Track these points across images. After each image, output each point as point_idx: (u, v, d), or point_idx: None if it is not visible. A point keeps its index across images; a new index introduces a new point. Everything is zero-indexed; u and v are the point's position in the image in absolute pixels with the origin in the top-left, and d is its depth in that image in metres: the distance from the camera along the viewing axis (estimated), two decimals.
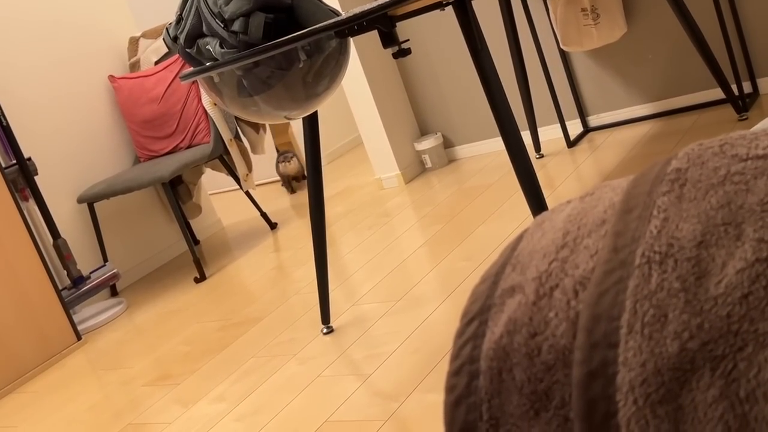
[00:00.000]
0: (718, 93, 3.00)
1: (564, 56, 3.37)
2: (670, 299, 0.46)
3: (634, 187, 0.56)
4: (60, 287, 3.12)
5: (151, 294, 3.42)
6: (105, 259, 3.51)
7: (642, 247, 0.50)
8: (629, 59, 3.25)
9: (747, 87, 3.04)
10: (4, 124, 3.17)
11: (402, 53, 1.71)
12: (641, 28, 3.16)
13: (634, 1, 3.13)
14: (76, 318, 3.14)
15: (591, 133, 3.45)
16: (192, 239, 3.73)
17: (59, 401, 2.60)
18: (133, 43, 3.76)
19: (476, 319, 0.56)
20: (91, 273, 3.37)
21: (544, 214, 0.65)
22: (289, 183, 3.24)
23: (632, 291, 0.48)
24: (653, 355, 0.44)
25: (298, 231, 3.58)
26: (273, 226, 3.77)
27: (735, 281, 0.44)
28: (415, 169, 3.78)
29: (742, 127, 2.81)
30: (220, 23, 1.57)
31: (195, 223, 3.93)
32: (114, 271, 3.42)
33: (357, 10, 1.65)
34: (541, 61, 3.37)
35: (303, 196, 4.06)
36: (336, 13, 1.75)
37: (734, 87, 2.95)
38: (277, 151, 3.81)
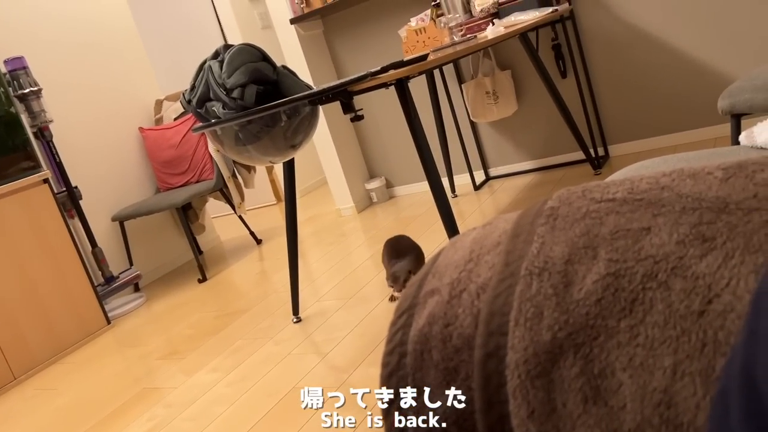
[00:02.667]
0: (580, 155, 3.06)
1: (473, 125, 3.42)
2: (545, 301, 0.46)
3: (521, 219, 0.57)
4: (96, 284, 3.01)
5: (164, 290, 3.32)
6: (131, 263, 3.41)
7: (526, 262, 0.50)
8: (519, 128, 3.30)
9: (601, 151, 3.11)
10: (58, 161, 3.06)
11: (357, 118, 1.70)
12: (528, 107, 3.22)
13: (523, 88, 3.19)
14: (107, 307, 3.02)
15: (491, 181, 3.49)
16: (197, 250, 3.65)
17: (92, 370, 2.50)
18: (158, 104, 3.69)
19: (405, 313, 0.55)
20: (120, 274, 3.26)
21: (457, 236, 0.65)
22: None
23: (518, 295, 0.47)
24: (533, 342, 0.44)
25: (277, 245, 3.53)
26: (258, 241, 3.71)
27: (592, 289, 0.44)
28: (365, 203, 3.77)
29: (597, 180, 2.87)
30: (223, 91, 1.55)
31: (199, 238, 3.84)
32: (137, 272, 3.32)
33: (325, 86, 1.64)
34: (456, 127, 3.41)
35: None
36: (309, 87, 1.75)
37: (592, 150, 3.02)
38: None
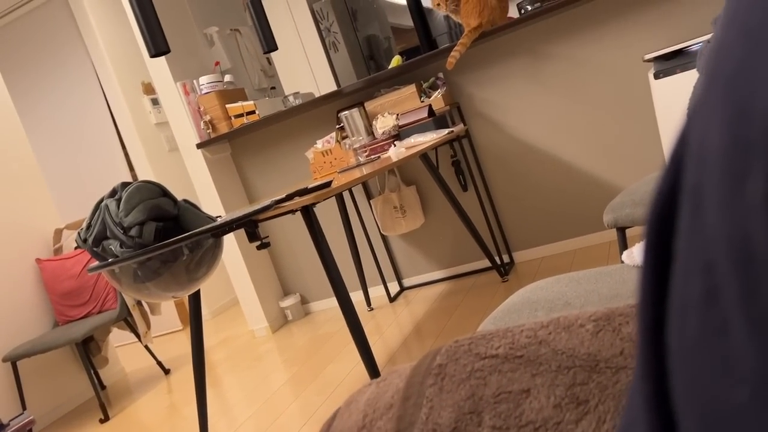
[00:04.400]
0: (487, 263, 3.17)
1: (384, 238, 3.48)
2: None
3: (412, 377, 0.57)
4: None
5: None
6: (24, 407, 3.12)
7: (416, 430, 0.49)
8: (428, 240, 3.39)
9: (506, 258, 3.23)
10: None
11: (263, 246, 1.70)
12: (434, 219, 3.33)
13: (428, 202, 3.31)
14: None
15: (405, 291, 3.52)
16: (99, 385, 3.40)
17: None
18: (57, 233, 3.54)
19: None
20: (10, 421, 2.96)
21: (352, 395, 0.64)
22: None
23: None
24: None
25: (187, 374, 3.34)
26: (167, 371, 3.51)
27: None
28: (280, 321, 3.69)
29: (504, 287, 2.95)
30: (120, 230, 1.51)
31: (102, 372, 3.59)
32: (30, 418, 3.02)
33: (228, 217, 1.64)
34: (368, 242, 3.46)
35: None
36: (212, 219, 1.74)
37: (497, 258, 3.13)
38: None
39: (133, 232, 1.49)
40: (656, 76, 2.32)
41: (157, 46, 1.89)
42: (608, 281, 1.12)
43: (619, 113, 2.87)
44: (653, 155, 2.83)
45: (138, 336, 3.35)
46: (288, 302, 3.69)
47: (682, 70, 2.24)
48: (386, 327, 3.04)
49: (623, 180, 2.90)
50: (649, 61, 2.40)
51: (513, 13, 3.03)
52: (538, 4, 2.80)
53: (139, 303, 3.35)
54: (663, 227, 0.18)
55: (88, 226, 1.59)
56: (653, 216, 0.19)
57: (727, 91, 0.15)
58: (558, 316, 0.58)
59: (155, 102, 4.44)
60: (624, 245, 1.65)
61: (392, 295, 3.46)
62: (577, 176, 2.99)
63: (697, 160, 0.16)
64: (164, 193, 1.65)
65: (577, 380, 0.47)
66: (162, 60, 3.31)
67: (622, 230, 1.68)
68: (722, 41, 0.16)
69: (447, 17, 3.30)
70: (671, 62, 2.29)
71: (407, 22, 5.00)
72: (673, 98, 2.27)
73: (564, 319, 0.57)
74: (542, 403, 0.46)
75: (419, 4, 5.04)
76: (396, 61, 3.14)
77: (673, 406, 0.18)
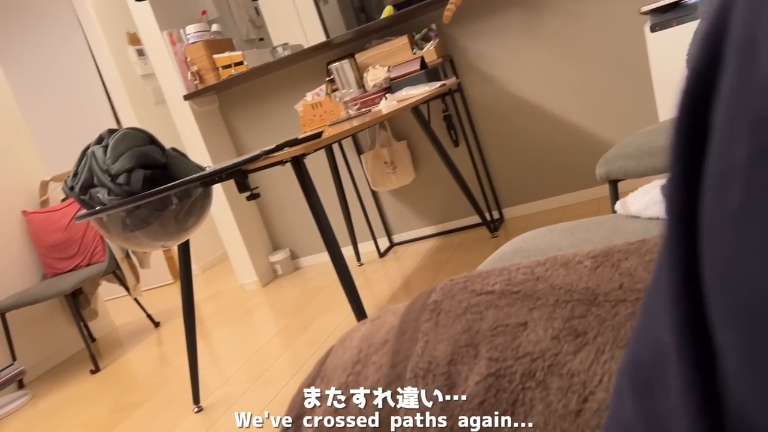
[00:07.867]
0: (477, 219, 3.16)
1: (374, 193, 3.47)
2: (432, 406, 0.45)
3: (407, 314, 0.56)
4: None
5: (53, 385, 3.05)
6: (14, 358, 3.12)
7: (411, 363, 0.49)
8: (418, 195, 3.38)
9: (496, 214, 3.23)
10: None
11: (253, 197, 1.68)
12: (425, 175, 3.31)
13: (419, 157, 3.29)
14: None
15: (395, 247, 3.52)
16: (89, 338, 3.41)
17: None
18: (44, 185, 3.50)
19: (293, 423, 0.53)
20: (1, 371, 2.97)
21: (347, 333, 0.63)
22: None
23: (405, 401, 0.46)
24: None
25: (177, 327, 3.35)
26: (156, 324, 3.52)
27: (474, 391, 0.44)
28: (269, 276, 3.69)
29: (494, 243, 2.96)
30: (108, 178, 1.48)
31: (92, 324, 3.60)
32: (21, 368, 3.04)
33: (218, 166, 1.61)
34: (358, 197, 3.45)
35: None
36: (201, 168, 1.71)
37: (487, 214, 3.13)
38: None
39: (120, 179, 1.47)
40: (652, 29, 2.28)
41: None
42: (601, 231, 1.12)
43: (614, 67, 2.83)
44: (646, 110, 2.81)
45: (127, 289, 3.35)
46: (277, 257, 3.69)
47: (679, 23, 2.21)
48: (376, 282, 3.06)
49: (616, 135, 2.89)
50: (645, 13, 2.36)
51: None
52: None
53: (127, 256, 3.33)
54: (698, 103, 0.17)
55: (75, 174, 1.56)
56: (687, 90, 0.17)
57: None
58: (555, 254, 0.58)
59: (141, 53, 4.33)
60: (616, 197, 1.65)
61: (382, 251, 3.46)
62: (569, 131, 2.98)
63: (749, 11, 0.15)
64: (152, 140, 1.62)
65: (575, 313, 0.46)
66: (147, 8, 3.21)
67: (614, 183, 1.68)
68: None
69: None
70: (668, 15, 2.25)
71: None
72: (668, 52, 2.24)
73: (561, 257, 0.56)
74: (540, 335, 0.46)
75: None
76: (387, 11, 3.07)
77: (703, 296, 0.17)
